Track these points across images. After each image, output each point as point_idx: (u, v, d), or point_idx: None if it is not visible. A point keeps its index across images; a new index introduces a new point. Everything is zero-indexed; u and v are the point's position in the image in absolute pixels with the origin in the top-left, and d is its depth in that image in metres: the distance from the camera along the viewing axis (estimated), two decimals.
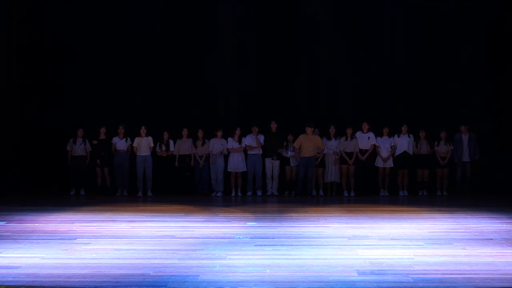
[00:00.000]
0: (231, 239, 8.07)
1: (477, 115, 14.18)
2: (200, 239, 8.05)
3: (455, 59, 14.35)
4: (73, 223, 9.46)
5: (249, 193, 13.72)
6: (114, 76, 14.40)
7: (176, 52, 14.58)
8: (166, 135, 13.75)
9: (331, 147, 13.64)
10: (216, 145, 13.71)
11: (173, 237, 8.30)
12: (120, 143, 13.61)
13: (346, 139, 13.71)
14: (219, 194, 13.69)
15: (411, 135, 13.75)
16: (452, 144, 13.79)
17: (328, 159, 13.68)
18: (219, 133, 13.71)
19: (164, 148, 13.71)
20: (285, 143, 13.68)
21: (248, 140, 13.71)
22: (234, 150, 13.69)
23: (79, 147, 13.74)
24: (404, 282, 5.80)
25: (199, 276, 6.02)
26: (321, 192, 13.72)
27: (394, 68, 14.65)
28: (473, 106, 14.31)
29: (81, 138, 13.74)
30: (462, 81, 14.36)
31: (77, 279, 5.88)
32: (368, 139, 13.66)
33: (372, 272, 6.17)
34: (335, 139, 13.71)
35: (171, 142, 13.78)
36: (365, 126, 13.71)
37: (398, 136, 13.75)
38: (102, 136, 13.74)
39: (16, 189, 13.76)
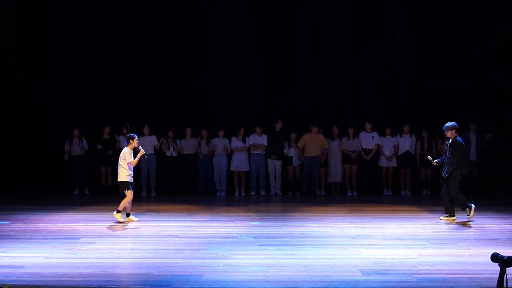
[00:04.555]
0: (235, 239, 8.07)
1: (480, 114, 14.11)
2: (204, 239, 8.06)
3: (456, 58, 14.28)
4: (77, 222, 9.49)
5: (253, 193, 13.71)
6: (116, 76, 14.37)
7: (179, 51, 14.57)
8: (171, 134, 13.69)
9: (335, 148, 13.60)
10: (219, 144, 13.70)
11: (177, 236, 8.31)
12: (124, 142, 13.55)
13: (348, 139, 13.69)
14: (222, 193, 13.69)
15: (413, 135, 13.73)
16: None
17: (331, 159, 13.64)
18: (221, 133, 13.70)
19: (172, 147, 13.65)
20: (286, 142, 13.65)
21: (252, 140, 13.69)
22: (238, 150, 13.68)
23: (76, 147, 13.72)
24: (408, 282, 5.80)
25: (202, 275, 6.03)
26: (323, 192, 13.70)
27: (395, 68, 14.61)
28: (476, 106, 14.24)
29: (77, 138, 13.73)
30: (463, 80, 14.30)
31: (81, 279, 5.90)
32: (373, 138, 13.63)
33: (376, 272, 6.17)
34: (339, 140, 13.67)
35: (177, 141, 13.74)
36: (368, 125, 13.67)
37: (400, 136, 13.73)
38: (106, 136, 13.71)
39: (20, 188, 13.76)
